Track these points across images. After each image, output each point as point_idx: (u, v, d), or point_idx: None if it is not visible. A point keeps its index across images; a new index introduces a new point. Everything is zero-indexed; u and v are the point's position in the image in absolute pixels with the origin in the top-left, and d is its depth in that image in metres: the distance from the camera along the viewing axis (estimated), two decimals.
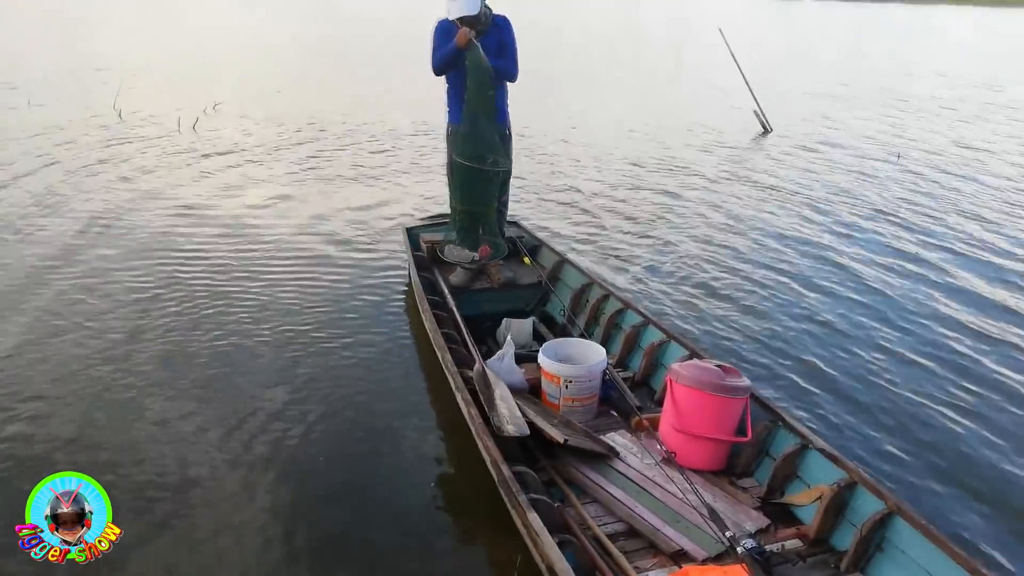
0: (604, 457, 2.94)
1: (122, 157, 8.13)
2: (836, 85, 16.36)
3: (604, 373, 3.35)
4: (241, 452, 3.26)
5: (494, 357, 3.46)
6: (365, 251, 5.63)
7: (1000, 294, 5.19)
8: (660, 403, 3.21)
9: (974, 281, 5.40)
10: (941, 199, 7.51)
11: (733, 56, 11.52)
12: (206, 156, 8.35)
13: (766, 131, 10.82)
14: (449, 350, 3.45)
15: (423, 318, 3.95)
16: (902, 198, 7.50)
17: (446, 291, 4.27)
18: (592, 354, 3.39)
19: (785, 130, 10.99)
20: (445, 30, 4.05)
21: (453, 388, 3.24)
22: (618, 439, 3.08)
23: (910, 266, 5.64)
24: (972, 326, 4.68)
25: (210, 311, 4.55)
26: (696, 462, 2.89)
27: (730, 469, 2.93)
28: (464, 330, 3.79)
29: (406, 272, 5.01)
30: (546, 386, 3.33)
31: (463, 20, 3.94)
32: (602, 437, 3.07)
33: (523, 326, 4.12)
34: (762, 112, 10.96)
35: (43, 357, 3.95)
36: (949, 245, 6.14)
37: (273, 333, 4.31)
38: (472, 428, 2.93)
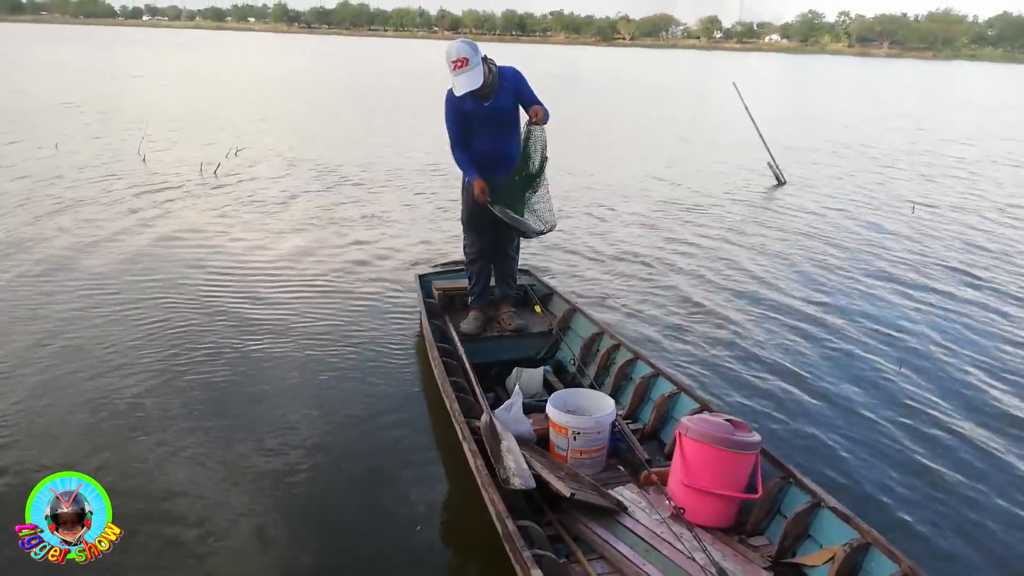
0: (612, 512, 2.89)
1: (143, 201, 8.30)
2: (849, 139, 16.48)
3: (613, 425, 3.32)
4: (242, 493, 3.24)
5: (502, 407, 3.44)
6: (377, 296, 5.67)
7: None
8: (670, 457, 3.16)
9: (995, 334, 5.33)
10: (958, 252, 7.47)
11: (747, 109, 11.67)
12: (225, 200, 8.50)
13: (780, 183, 10.87)
14: (457, 399, 3.44)
15: (432, 366, 3.95)
16: (918, 251, 7.47)
17: (456, 338, 4.27)
18: (601, 405, 3.37)
19: (799, 182, 11.04)
20: (455, 107, 4.02)
21: (460, 438, 3.21)
22: (626, 493, 3.04)
23: (927, 319, 5.59)
24: (994, 381, 4.61)
25: (221, 349, 4.60)
26: (705, 519, 2.83)
27: (740, 526, 2.87)
28: (473, 379, 3.78)
29: (418, 318, 5.02)
30: (554, 437, 3.30)
31: (472, 93, 3.88)
32: (610, 491, 3.02)
33: (534, 375, 4.10)
34: (776, 164, 11.04)
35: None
36: (966, 297, 6.08)
37: (281, 375, 4.32)
38: (478, 479, 2.90)
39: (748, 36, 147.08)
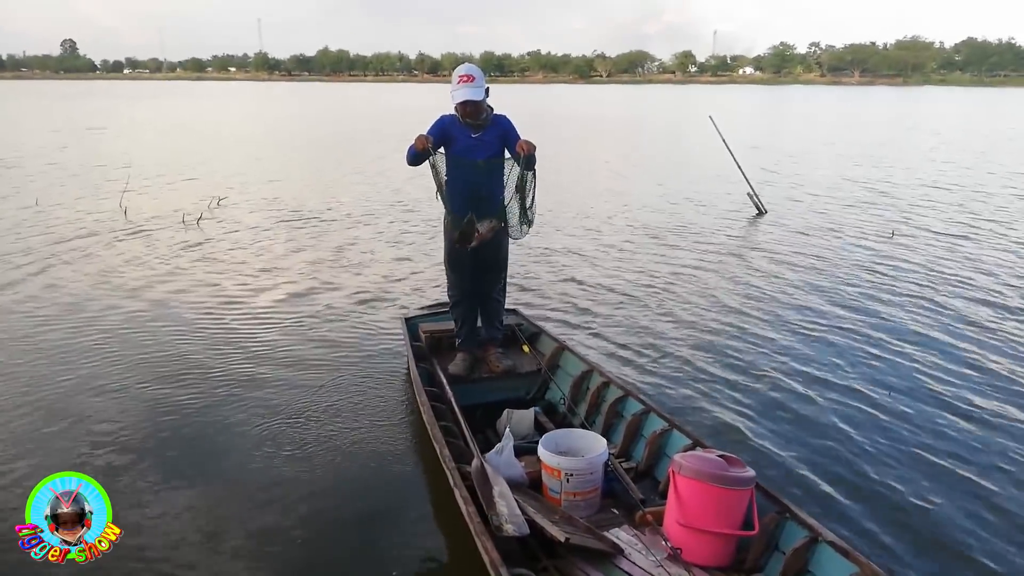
0: (608, 555, 2.84)
1: (124, 254, 8.24)
2: (824, 167, 16.77)
3: (606, 465, 3.29)
4: (224, 540, 3.20)
5: (493, 451, 3.39)
6: (363, 340, 5.63)
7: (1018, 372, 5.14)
8: (665, 495, 3.12)
9: (982, 358, 5.36)
10: (938, 277, 7.54)
11: (725, 141, 11.85)
12: (208, 249, 8.47)
13: (760, 213, 10.99)
14: (447, 444, 3.39)
15: (421, 410, 3.91)
16: (901, 275, 7.54)
17: (444, 381, 4.23)
18: (593, 445, 3.33)
19: (778, 211, 11.17)
20: (442, 124, 4.15)
21: (451, 484, 3.16)
22: (622, 535, 2.99)
23: (911, 346, 5.61)
24: (984, 407, 4.61)
25: (205, 395, 4.58)
26: (703, 558, 2.79)
27: (738, 564, 2.82)
28: (463, 422, 3.74)
29: (405, 362, 4.98)
30: (547, 480, 3.26)
31: (465, 105, 4.04)
32: (605, 533, 2.97)
33: (524, 416, 4.06)
34: (756, 195, 11.18)
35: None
36: (951, 323, 6.13)
37: (264, 421, 4.27)
38: (470, 527, 2.84)
39: (722, 69, 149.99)
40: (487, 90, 4.08)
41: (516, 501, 2.97)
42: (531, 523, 2.83)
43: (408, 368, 4.71)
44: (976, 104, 54.61)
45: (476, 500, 2.96)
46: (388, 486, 3.68)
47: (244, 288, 6.99)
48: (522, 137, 4.17)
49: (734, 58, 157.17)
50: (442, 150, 4.17)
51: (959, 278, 7.45)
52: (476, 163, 4.11)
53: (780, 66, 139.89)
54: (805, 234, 9.59)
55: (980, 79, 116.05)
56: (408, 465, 3.90)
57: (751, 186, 11.25)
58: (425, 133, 4.04)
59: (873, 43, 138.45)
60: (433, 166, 4.16)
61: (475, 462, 3.26)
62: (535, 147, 4.02)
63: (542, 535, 2.82)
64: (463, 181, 4.17)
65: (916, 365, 5.24)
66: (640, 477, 3.50)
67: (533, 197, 4.24)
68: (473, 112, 4.07)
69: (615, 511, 3.19)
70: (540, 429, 3.96)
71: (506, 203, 4.23)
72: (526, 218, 4.31)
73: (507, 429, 3.71)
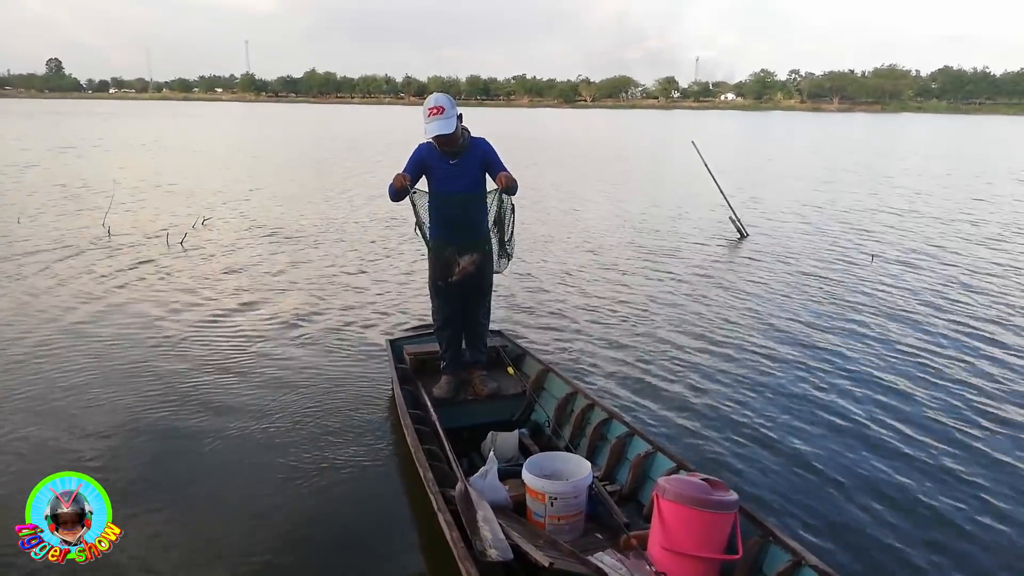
0: None
1: (108, 274, 8.17)
2: (804, 192, 16.99)
3: (590, 488, 3.28)
4: (203, 564, 3.16)
5: (477, 474, 3.38)
6: (347, 362, 5.60)
7: (997, 393, 5.20)
8: (649, 518, 3.12)
9: (962, 380, 5.42)
10: (918, 298, 7.64)
11: (706, 166, 12.00)
12: (192, 270, 8.41)
13: (742, 236, 11.11)
14: (431, 467, 3.37)
15: (405, 433, 3.89)
16: (882, 299, 7.63)
17: (429, 404, 4.22)
18: (577, 468, 3.33)
19: (760, 235, 11.29)
20: (419, 156, 4.14)
21: (435, 508, 3.14)
22: (606, 559, 2.97)
23: (896, 365, 5.67)
24: (971, 432, 4.65)
25: (185, 419, 4.53)
26: None
27: None
28: (447, 446, 3.72)
29: (389, 384, 4.96)
30: (531, 503, 3.25)
31: (438, 139, 4.03)
32: (590, 557, 2.95)
33: (509, 439, 4.05)
34: (737, 218, 11.30)
35: None
36: (932, 345, 6.20)
37: (246, 444, 4.23)
38: (454, 552, 2.82)
39: (704, 95, 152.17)
40: (460, 116, 4.05)
41: (500, 525, 2.95)
42: (515, 548, 2.82)
43: (392, 390, 4.69)
44: (956, 132, 55.72)
45: (460, 525, 2.94)
46: (371, 510, 3.65)
47: (229, 308, 6.95)
48: (501, 157, 4.20)
49: (716, 84, 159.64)
50: (424, 185, 4.18)
51: (942, 301, 7.55)
52: (456, 195, 4.12)
53: (761, 92, 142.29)
54: (787, 257, 9.69)
55: (956, 107, 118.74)
56: (391, 489, 3.87)
57: (733, 210, 11.38)
58: (402, 171, 4.04)
59: (852, 71, 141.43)
60: (413, 204, 4.18)
61: (459, 486, 3.24)
62: (515, 179, 4.07)
63: (526, 560, 2.80)
64: (444, 210, 4.19)
65: (901, 390, 5.28)
66: (624, 500, 3.49)
67: (512, 231, 4.27)
68: (448, 142, 4.04)
69: (599, 535, 3.18)
70: (525, 452, 3.95)
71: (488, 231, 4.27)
72: (505, 252, 4.34)
73: (491, 452, 3.71)
